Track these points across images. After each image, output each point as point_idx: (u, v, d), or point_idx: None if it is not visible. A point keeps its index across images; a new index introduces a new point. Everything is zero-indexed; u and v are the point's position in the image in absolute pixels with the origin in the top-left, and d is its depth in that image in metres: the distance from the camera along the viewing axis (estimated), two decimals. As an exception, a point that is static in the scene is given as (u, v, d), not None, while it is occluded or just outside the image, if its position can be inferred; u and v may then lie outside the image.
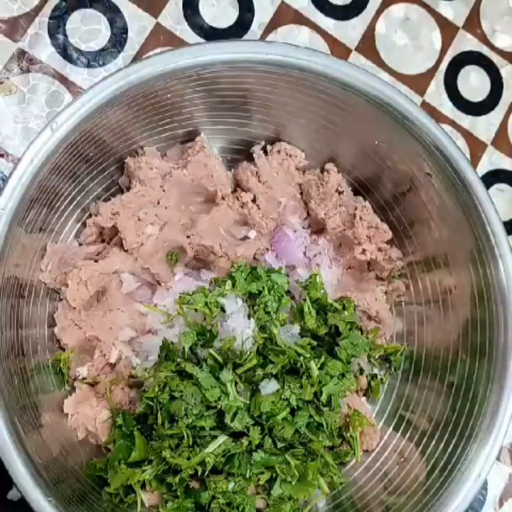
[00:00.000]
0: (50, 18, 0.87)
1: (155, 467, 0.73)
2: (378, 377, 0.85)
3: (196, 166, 0.80)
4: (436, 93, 0.95)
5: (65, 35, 0.87)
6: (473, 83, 0.96)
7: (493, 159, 0.96)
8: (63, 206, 0.78)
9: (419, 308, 0.84)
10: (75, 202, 0.79)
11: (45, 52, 0.87)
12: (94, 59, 0.88)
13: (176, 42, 0.89)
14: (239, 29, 0.91)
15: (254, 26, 0.91)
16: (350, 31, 0.94)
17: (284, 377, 0.74)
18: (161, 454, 0.72)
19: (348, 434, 0.80)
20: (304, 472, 0.75)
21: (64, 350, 0.79)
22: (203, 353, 0.74)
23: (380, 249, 0.83)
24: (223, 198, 0.81)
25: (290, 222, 0.84)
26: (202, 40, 0.90)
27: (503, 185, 0.95)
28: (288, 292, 0.80)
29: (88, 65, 0.87)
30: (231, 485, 0.73)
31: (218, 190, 0.80)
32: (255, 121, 0.82)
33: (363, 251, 0.82)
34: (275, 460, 0.74)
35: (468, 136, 0.95)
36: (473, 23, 0.97)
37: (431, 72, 0.95)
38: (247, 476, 0.73)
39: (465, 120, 0.95)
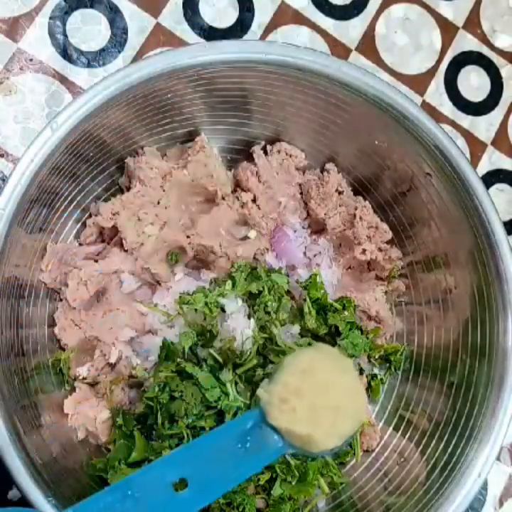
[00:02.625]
0: (50, 18, 0.87)
1: (155, 467, 0.73)
2: (378, 377, 0.85)
3: (196, 166, 0.80)
4: (436, 93, 0.95)
5: (65, 35, 0.87)
6: (473, 83, 0.96)
7: (493, 159, 0.96)
8: (63, 206, 0.78)
9: (419, 308, 0.84)
10: (75, 202, 0.79)
11: (45, 52, 0.86)
12: (94, 59, 0.88)
13: (175, 42, 0.89)
14: (239, 29, 0.91)
15: (254, 26, 0.91)
16: (350, 31, 0.94)
17: (284, 377, 0.74)
18: (161, 454, 0.72)
19: (348, 434, 0.80)
20: (304, 472, 0.75)
21: (64, 350, 0.79)
22: (203, 353, 0.74)
23: (380, 249, 0.83)
24: (223, 198, 0.81)
25: (290, 222, 0.84)
26: (202, 40, 0.90)
27: (503, 185, 0.95)
28: (288, 292, 0.80)
29: (88, 65, 0.87)
30: (231, 485, 0.73)
31: (218, 190, 0.80)
32: (255, 121, 0.82)
33: (363, 251, 0.82)
34: (275, 460, 0.74)
35: (468, 136, 0.95)
36: (473, 23, 0.97)
37: (431, 72, 0.95)
38: (247, 476, 0.73)
39: (465, 120, 0.95)
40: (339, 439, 0.59)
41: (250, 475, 0.58)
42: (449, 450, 0.74)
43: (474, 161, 0.95)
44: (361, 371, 0.83)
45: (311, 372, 0.59)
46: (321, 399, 0.58)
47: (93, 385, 0.79)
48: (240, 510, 0.73)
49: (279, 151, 0.84)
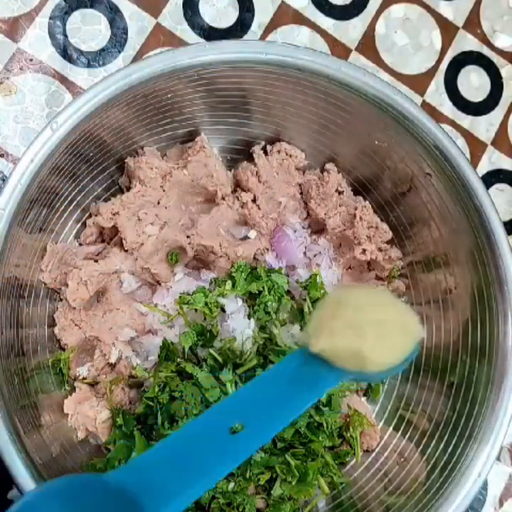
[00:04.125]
0: (50, 18, 0.87)
1: (155, 467, 0.73)
2: (378, 377, 0.85)
3: (196, 166, 0.80)
4: (436, 93, 0.95)
5: (65, 35, 0.87)
6: (473, 83, 0.96)
7: (493, 159, 0.96)
8: (63, 206, 0.78)
9: (419, 308, 0.84)
10: (75, 202, 0.79)
11: (45, 52, 0.87)
12: (94, 59, 0.88)
13: (176, 42, 0.89)
14: (239, 29, 0.91)
15: (254, 26, 0.91)
16: (350, 31, 0.94)
17: (284, 377, 0.74)
18: (161, 454, 0.72)
19: (348, 434, 0.80)
20: (304, 472, 0.75)
21: (64, 350, 0.79)
22: (203, 353, 0.74)
23: (380, 249, 0.83)
24: (223, 198, 0.81)
25: (290, 222, 0.84)
26: (202, 40, 0.90)
27: (503, 185, 0.95)
28: (288, 292, 0.80)
29: (88, 65, 0.87)
30: (231, 485, 0.73)
31: (218, 190, 0.80)
32: (255, 121, 0.82)
33: (363, 251, 0.82)
34: (275, 460, 0.74)
35: (468, 136, 0.95)
36: (473, 23, 0.97)
37: (431, 72, 0.95)
38: (247, 476, 0.73)
39: (465, 120, 0.95)
40: (394, 352, 0.53)
41: (306, 408, 0.57)
42: (449, 450, 0.74)
43: (474, 161, 0.95)
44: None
45: (346, 301, 0.54)
46: (359, 316, 0.52)
47: (93, 385, 0.79)
48: (240, 510, 0.73)
49: (279, 151, 0.84)
